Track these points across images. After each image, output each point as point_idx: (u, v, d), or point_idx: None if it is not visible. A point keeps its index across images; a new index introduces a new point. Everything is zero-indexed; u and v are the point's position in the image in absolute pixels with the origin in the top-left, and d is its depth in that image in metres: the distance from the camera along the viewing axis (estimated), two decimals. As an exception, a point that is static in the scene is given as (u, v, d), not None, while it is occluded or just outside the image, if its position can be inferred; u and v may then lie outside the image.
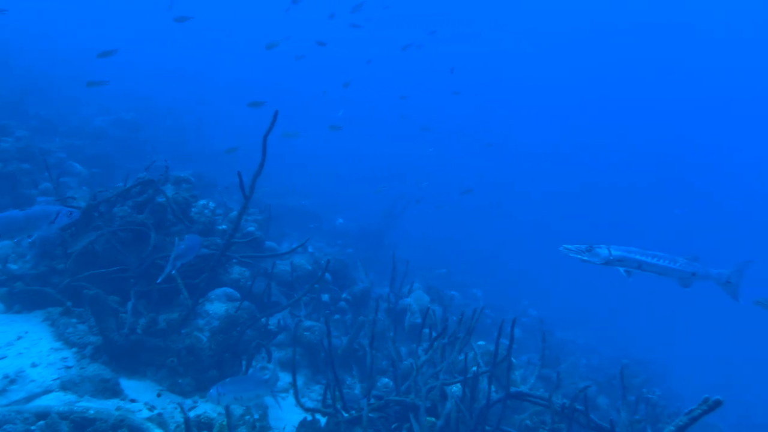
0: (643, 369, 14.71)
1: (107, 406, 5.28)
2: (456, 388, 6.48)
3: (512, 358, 8.20)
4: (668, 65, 57.17)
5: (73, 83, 26.58)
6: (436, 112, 46.79)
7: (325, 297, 9.49)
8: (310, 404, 7.27)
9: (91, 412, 4.79)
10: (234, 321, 6.41)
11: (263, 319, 7.01)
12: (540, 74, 63.31)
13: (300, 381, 7.80)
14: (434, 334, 8.80)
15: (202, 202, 8.19)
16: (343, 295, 9.61)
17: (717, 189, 54.80)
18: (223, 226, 8.46)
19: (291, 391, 7.31)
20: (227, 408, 5.18)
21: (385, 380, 7.97)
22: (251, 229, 9.79)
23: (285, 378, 7.93)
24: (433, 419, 5.17)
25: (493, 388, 7.30)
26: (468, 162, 41.94)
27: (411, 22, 52.79)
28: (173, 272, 6.67)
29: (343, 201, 23.23)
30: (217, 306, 6.64)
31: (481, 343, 8.32)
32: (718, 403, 3.20)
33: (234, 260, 7.32)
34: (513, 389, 6.03)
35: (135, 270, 6.72)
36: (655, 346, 23.93)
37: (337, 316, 9.38)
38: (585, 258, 4.61)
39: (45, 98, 20.40)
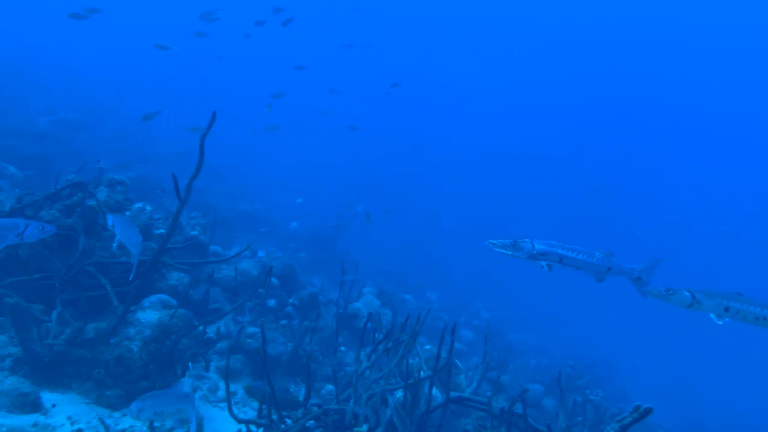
0: (589, 370, 14.95)
1: (24, 422, 4.95)
2: (400, 394, 6.38)
3: (457, 362, 8.16)
4: (606, 68, 58.81)
5: (17, 82, 25.58)
6: (370, 113, 47.24)
7: (272, 302, 9.25)
8: (250, 414, 7.05)
9: (3, 430, 4.47)
10: (167, 329, 6.14)
11: (201, 327, 6.74)
12: (489, 78, 64.36)
13: (242, 390, 7.56)
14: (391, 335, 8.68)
15: (137, 205, 7.86)
16: (291, 300, 9.39)
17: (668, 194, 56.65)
18: (161, 231, 8.13)
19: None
20: (151, 424, 4.93)
21: (330, 387, 7.80)
22: (194, 233, 9.49)
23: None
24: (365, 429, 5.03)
25: (438, 393, 7.25)
26: (405, 165, 42.29)
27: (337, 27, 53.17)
28: (103, 281, 6.39)
29: (294, 204, 22.93)
30: (150, 314, 6.35)
31: (428, 347, 8.23)
32: (648, 411, 3.18)
33: (169, 266, 7.02)
34: (454, 394, 5.95)
35: (62, 277, 6.35)
36: (607, 346, 24.47)
37: (284, 322, 9.15)
38: (509, 252, 4.64)
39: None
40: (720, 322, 4.27)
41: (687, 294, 4.30)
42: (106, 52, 39.45)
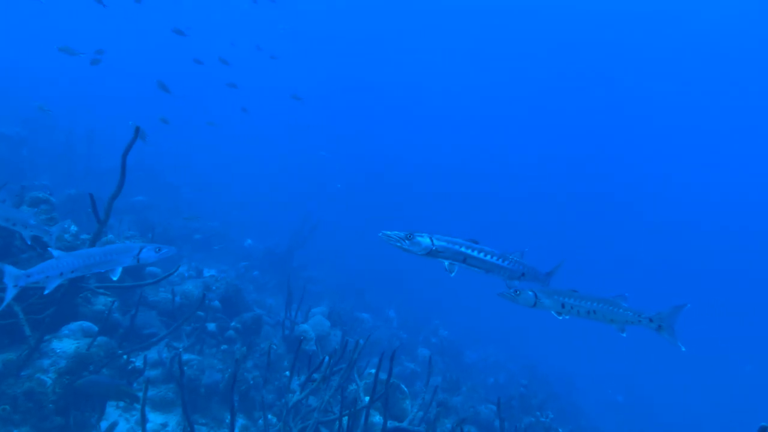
0: (544, 387, 14.84)
1: None
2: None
3: (403, 386, 7.87)
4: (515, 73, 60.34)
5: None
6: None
7: (212, 326, 8.81)
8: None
9: None
10: (85, 360, 5.68)
11: (125, 356, 6.30)
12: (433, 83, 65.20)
13: (173, 421, 7.11)
14: (330, 362, 8.32)
15: (61, 224, 7.35)
16: (232, 324, 8.97)
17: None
18: (89, 252, 7.65)
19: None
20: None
21: (270, 416, 7.42)
22: (129, 253, 8.98)
23: (158, 419, 7.22)
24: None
25: (381, 420, 6.93)
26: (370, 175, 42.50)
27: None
28: (16, 308, 5.90)
29: (254, 220, 22.44)
30: (67, 343, 5.89)
31: (372, 371, 7.92)
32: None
33: (91, 290, 6.55)
34: (392, 424, 5.65)
35: (-31, 304, 5.83)
36: (567, 357, 24.56)
37: (224, 347, 8.71)
38: (405, 246, 4.25)
39: None
40: (560, 318, 4.42)
41: (530, 294, 4.44)
42: (57, 62, 38.25)
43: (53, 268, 4.48)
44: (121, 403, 6.77)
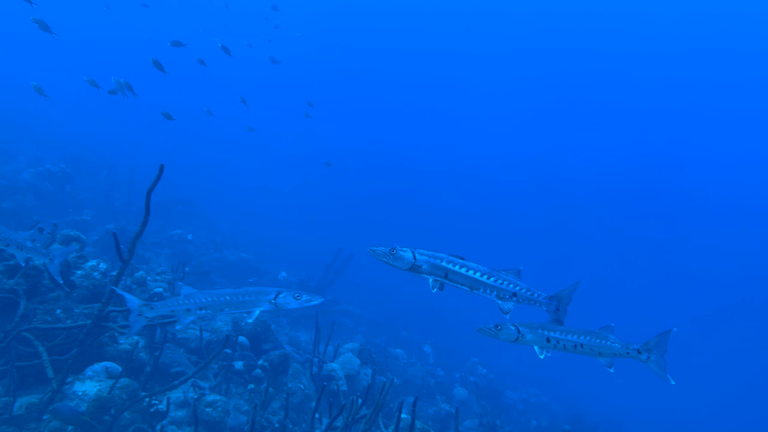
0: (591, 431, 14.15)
1: None
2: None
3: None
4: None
5: (9, 132, 25.72)
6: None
7: (239, 364, 8.72)
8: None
9: None
10: (105, 403, 5.65)
11: (147, 399, 6.25)
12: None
13: (197, 466, 6.97)
14: (360, 402, 8.12)
15: (91, 263, 7.46)
16: (260, 362, 8.86)
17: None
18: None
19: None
20: None
21: (296, 462, 7.22)
22: (158, 290, 9.05)
23: (182, 463, 7.12)
24: None
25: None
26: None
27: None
28: (40, 348, 5.94)
29: (289, 251, 22.56)
30: (89, 386, 5.88)
31: (404, 416, 7.65)
32: None
33: (113, 330, 6.55)
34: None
35: (-3, 345, 5.91)
36: (612, 402, 23.52)
37: (251, 386, 8.60)
38: (389, 261, 4.16)
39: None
40: (542, 356, 4.19)
41: (512, 328, 4.25)
42: (101, 100, 39.90)
43: (180, 303, 4.48)
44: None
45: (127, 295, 4.58)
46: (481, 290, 4.18)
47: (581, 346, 4.28)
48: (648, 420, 22.87)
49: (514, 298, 4.19)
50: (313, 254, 20.84)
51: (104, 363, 6.42)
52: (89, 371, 6.23)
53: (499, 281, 4.17)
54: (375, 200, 41.76)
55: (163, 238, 18.68)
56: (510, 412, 16.07)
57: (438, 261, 4.16)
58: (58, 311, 6.48)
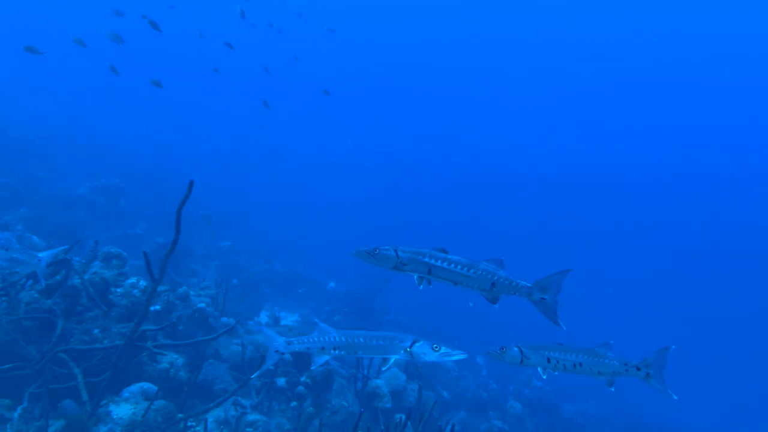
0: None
1: None
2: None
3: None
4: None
5: (66, 149, 26.77)
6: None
7: (281, 381, 8.54)
8: None
9: None
10: (139, 427, 5.51)
11: (184, 421, 6.10)
12: None
13: (238, 489, 6.80)
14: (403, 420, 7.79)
15: (131, 280, 7.43)
16: (302, 378, 8.66)
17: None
18: (157, 307, 7.67)
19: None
20: None
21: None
22: (201, 305, 8.98)
23: (222, 486, 6.96)
24: None
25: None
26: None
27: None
28: (75, 370, 5.88)
29: (337, 261, 22.47)
30: (124, 408, 5.77)
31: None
32: None
33: (147, 350, 6.44)
34: None
35: (33, 366, 5.89)
36: (680, 415, 22.31)
37: (294, 404, 8.40)
38: (374, 262, 4.14)
39: (29, 166, 20.27)
40: (544, 377, 4.16)
41: (516, 350, 4.29)
42: (154, 117, 41.23)
43: (315, 341, 4.49)
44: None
45: (269, 332, 4.76)
46: (464, 283, 4.10)
47: (580, 365, 4.29)
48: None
49: (494, 288, 4.08)
50: (360, 263, 20.65)
51: (141, 384, 6.33)
52: (126, 392, 6.14)
53: (479, 272, 4.06)
54: (423, 205, 41.44)
55: (213, 250, 18.88)
56: (568, 426, 15.36)
57: (420, 257, 4.11)
58: (96, 331, 6.44)
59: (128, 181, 21.97)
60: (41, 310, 6.27)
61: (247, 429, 7.25)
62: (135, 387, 6.22)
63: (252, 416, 7.39)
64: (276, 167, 42.21)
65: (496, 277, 4.06)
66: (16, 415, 5.42)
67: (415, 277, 4.16)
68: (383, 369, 4.21)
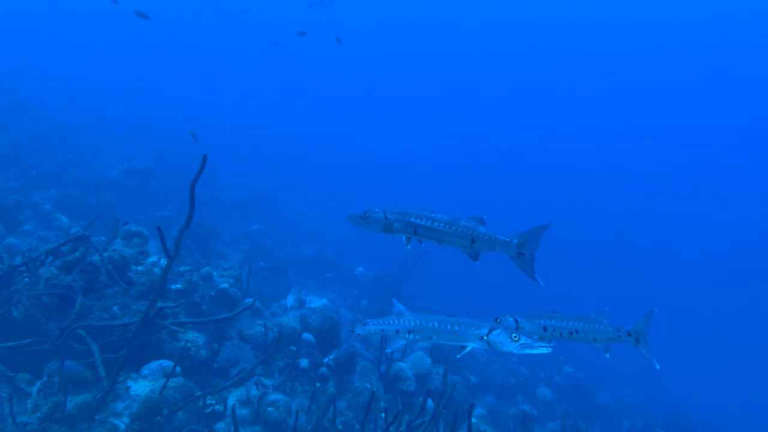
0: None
1: None
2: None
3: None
4: None
5: (100, 132, 27.22)
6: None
7: (304, 362, 8.45)
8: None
9: None
10: (156, 404, 5.46)
11: (203, 399, 6.05)
12: None
13: (258, 469, 6.75)
14: (432, 405, 7.68)
15: (152, 258, 7.41)
16: (326, 360, 8.56)
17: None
18: (178, 286, 7.63)
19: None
20: None
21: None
22: (224, 286, 8.94)
23: (241, 464, 6.90)
24: None
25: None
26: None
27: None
28: (93, 346, 5.86)
29: (365, 246, 22.37)
30: (142, 385, 5.74)
31: (473, 420, 7.06)
32: None
33: (164, 327, 6.38)
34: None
35: (52, 342, 5.89)
36: (719, 403, 21.70)
37: (318, 385, 8.30)
38: (364, 225, 4.21)
39: (60, 147, 20.65)
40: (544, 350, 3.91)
41: (511, 320, 4.26)
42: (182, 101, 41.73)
43: (390, 323, 4.38)
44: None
45: (345, 312, 4.78)
46: (446, 241, 4.13)
47: (576, 332, 4.28)
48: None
49: (474, 244, 4.06)
50: (388, 248, 20.47)
51: (161, 361, 6.29)
52: (145, 370, 6.11)
53: (460, 229, 4.08)
54: (446, 195, 41.10)
55: (242, 233, 18.95)
56: (601, 413, 15.00)
57: (407, 218, 4.15)
58: (115, 308, 6.42)
59: (159, 163, 22.19)
60: (60, 286, 6.28)
61: (269, 408, 7.17)
62: (155, 364, 6.18)
63: (273, 396, 7.31)
64: (308, 153, 42.37)
65: (475, 233, 4.07)
66: (35, 389, 5.43)
67: (404, 237, 4.18)
68: (457, 356, 3.98)
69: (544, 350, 3.84)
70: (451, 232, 4.09)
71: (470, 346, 4.05)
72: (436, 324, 4.18)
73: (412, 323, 4.26)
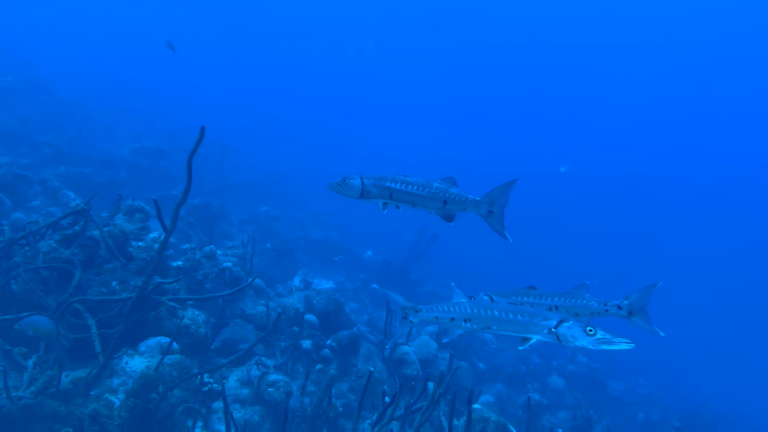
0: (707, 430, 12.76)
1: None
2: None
3: (512, 428, 6.88)
4: None
5: (112, 112, 27.43)
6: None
7: (307, 344, 8.46)
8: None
9: None
10: (151, 381, 5.47)
11: (200, 376, 6.06)
12: None
13: (257, 449, 6.78)
14: (436, 390, 7.60)
15: (153, 234, 7.42)
16: (328, 342, 8.55)
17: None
18: (179, 263, 7.64)
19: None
20: None
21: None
22: (227, 264, 8.95)
23: (240, 446, 6.93)
24: None
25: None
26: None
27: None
28: (90, 321, 5.88)
29: (374, 230, 22.34)
30: (138, 362, 5.76)
31: (476, 406, 7.02)
32: None
33: (163, 303, 6.39)
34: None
35: (50, 316, 5.93)
36: (739, 395, 21.46)
37: (319, 366, 8.31)
38: (343, 191, 4.27)
39: (72, 126, 20.84)
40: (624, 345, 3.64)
41: (486, 299, 4.26)
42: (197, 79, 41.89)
43: (446, 311, 4.22)
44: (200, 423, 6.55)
45: (393, 296, 4.57)
46: (420, 204, 4.17)
47: (556, 308, 4.16)
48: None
49: (446, 206, 4.12)
50: (397, 232, 20.42)
51: (159, 338, 6.30)
52: (143, 346, 6.13)
53: (433, 191, 4.14)
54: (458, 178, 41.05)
55: (251, 215, 19.01)
56: (614, 404, 14.90)
57: (383, 182, 4.20)
58: (114, 283, 6.44)
59: (170, 143, 22.26)
60: (59, 260, 6.31)
61: (269, 389, 7.19)
62: (152, 341, 6.20)
63: (274, 376, 7.33)
64: (319, 138, 42.39)
65: (448, 194, 4.11)
66: (30, 363, 5.46)
67: (380, 203, 4.22)
68: (520, 348, 3.79)
69: (624, 346, 3.47)
70: (425, 195, 4.14)
71: (535, 338, 3.76)
72: (496, 312, 3.93)
73: (469, 311, 4.05)
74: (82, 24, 48.62)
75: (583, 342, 3.56)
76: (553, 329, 3.69)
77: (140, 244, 7.18)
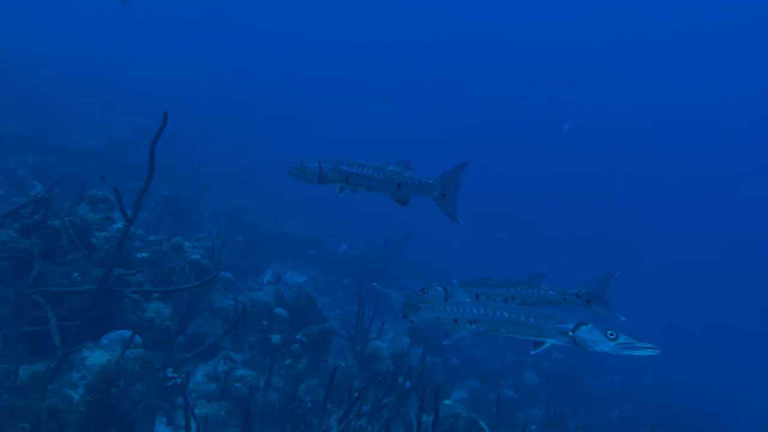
0: (682, 428, 13.02)
1: None
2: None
3: (483, 424, 6.94)
4: None
5: (82, 101, 26.96)
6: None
7: (276, 338, 8.43)
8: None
9: None
10: (111, 375, 5.41)
11: (163, 371, 6.01)
12: None
13: (222, 445, 6.74)
14: (408, 385, 7.60)
15: (117, 225, 7.32)
16: (298, 336, 8.54)
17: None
18: (144, 255, 7.56)
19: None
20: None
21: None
22: (196, 257, 8.88)
23: (206, 440, 6.89)
24: None
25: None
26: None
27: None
28: (49, 313, 5.79)
29: (348, 224, 22.31)
30: (99, 355, 5.68)
31: (447, 402, 7.07)
32: None
33: (128, 298, 6.30)
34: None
35: (9, 308, 5.82)
36: (712, 392, 21.88)
37: (288, 361, 8.29)
38: (301, 176, 4.33)
39: (40, 115, 20.43)
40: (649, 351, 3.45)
41: (439, 289, 4.28)
42: (168, 70, 41.41)
43: (448, 310, 3.99)
44: (166, 422, 6.50)
45: (392, 293, 4.37)
46: (375, 187, 4.22)
47: (513, 299, 4.18)
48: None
49: (401, 189, 4.16)
50: (372, 227, 20.43)
51: (121, 331, 6.21)
52: (105, 340, 6.04)
53: (387, 174, 4.18)
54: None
55: (224, 208, 18.87)
56: (589, 400, 15.11)
57: (339, 166, 4.25)
58: (75, 274, 6.35)
59: (143, 134, 21.95)
60: (18, 249, 6.19)
61: (236, 384, 7.16)
62: (114, 334, 6.11)
63: (242, 371, 7.30)
64: (294, 127, 42.19)
65: (401, 178, 4.16)
66: (-15, 356, 5.37)
67: (337, 187, 4.28)
68: (532, 352, 3.65)
69: (649, 351, 3.22)
70: (379, 178, 4.19)
71: (549, 342, 3.54)
72: (505, 314, 3.66)
73: (475, 311, 3.80)
74: (56, 12, 47.66)
75: (604, 347, 3.31)
76: (570, 332, 3.43)
77: (104, 234, 7.09)
